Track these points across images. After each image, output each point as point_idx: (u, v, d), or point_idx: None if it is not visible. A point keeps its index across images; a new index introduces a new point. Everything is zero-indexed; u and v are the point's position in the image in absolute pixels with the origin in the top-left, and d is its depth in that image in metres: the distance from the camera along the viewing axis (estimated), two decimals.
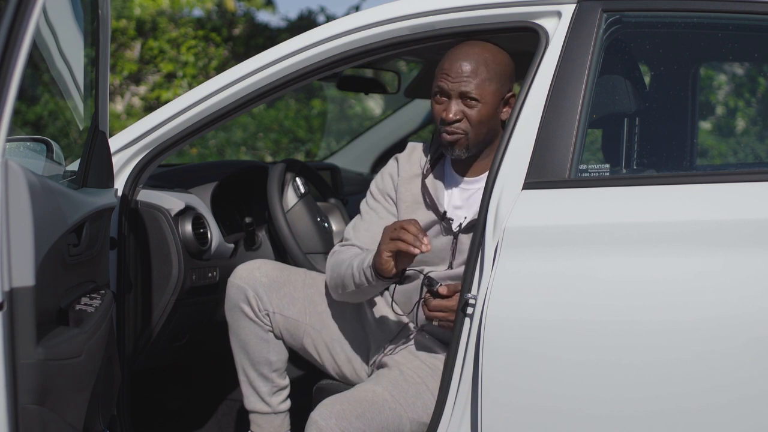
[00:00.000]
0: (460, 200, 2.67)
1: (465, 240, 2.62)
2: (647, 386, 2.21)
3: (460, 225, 2.63)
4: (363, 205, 2.78)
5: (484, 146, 2.62)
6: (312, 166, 3.61)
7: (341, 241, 2.78)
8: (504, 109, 2.61)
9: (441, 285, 2.51)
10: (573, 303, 2.27)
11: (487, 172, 2.63)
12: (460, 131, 2.57)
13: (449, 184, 2.70)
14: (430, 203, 2.67)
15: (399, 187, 2.71)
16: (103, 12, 2.54)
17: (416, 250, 2.39)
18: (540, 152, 2.41)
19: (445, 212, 2.65)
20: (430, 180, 2.69)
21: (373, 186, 2.78)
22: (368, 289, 2.58)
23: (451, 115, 2.55)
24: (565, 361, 2.26)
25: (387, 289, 2.84)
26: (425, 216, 2.67)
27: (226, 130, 9.92)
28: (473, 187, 2.66)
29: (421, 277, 2.65)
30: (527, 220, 2.35)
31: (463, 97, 2.55)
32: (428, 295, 2.52)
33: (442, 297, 2.50)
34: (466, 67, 2.55)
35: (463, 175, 2.68)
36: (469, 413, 2.37)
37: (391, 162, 2.77)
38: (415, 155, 2.75)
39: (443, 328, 2.55)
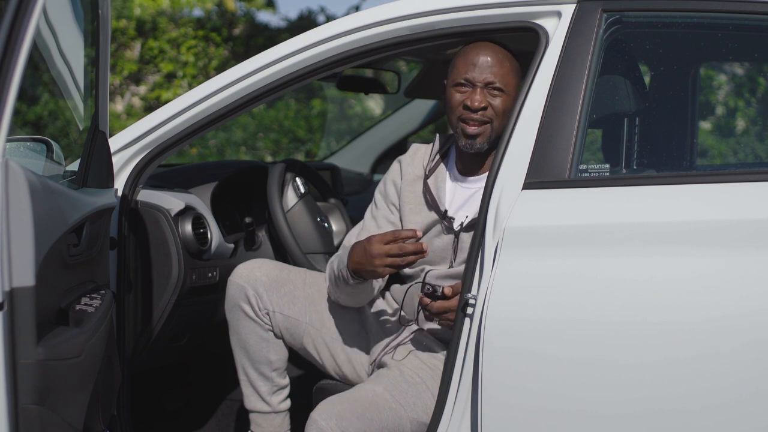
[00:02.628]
0: (461, 199, 2.67)
1: (466, 239, 2.62)
2: (647, 386, 2.21)
3: (462, 224, 2.64)
4: (367, 213, 2.79)
5: (495, 142, 2.62)
6: (312, 166, 3.61)
7: (341, 245, 2.78)
8: None
9: (443, 288, 2.50)
10: (573, 303, 2.27)
11: (489, 171, 2.63)
12: (486, 119, 2.58)
13: (451, 182, 2.70)
14: (432, 203, 2.67)
15: (402, 191, 2.72)
16: (103, 12, 2.54)
17: (417, 258, 2.44)
18: (540, 152, 2.41)
19: (446, 211, 2.65)
20: (432, 180, 2.70)
21: (377, 193, 2.79)
22: (348, 288, 2.61)
23: (477, 103, 2.56)
24: (565, 361, 2.26)
25: (389, 290, 2.84)
26: (427, 216, 2.68)
27: (226, 130, 9.92)
28: (475, 186, 2.67)
29: (421, 280, 2.65)
30: (527, 220, 2.35)
31: (489, 86, 2.58)
32: (428, 300, 2.51)
33: (445, 299, 2.49)
34: (492, 58, 2.59)
35: (466, 175, 2.69)
36: (469, 413, 2.37)
37: (394, 165, 2.78)
38: (418, 157, 2.75)
39: (444, 325, 2.54)
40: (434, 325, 2.70)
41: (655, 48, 2.72)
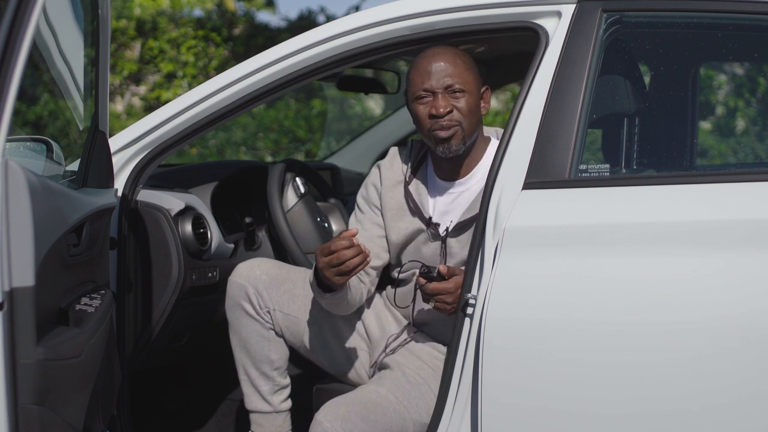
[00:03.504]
0: (444, 204, 2.67)
1: (453, 243, 2.62)
2: (647, 386, 2.21)
3: (447, 229, 2.63)
4: (351, 220, 2.79)
5: (471, 143, 2.61)
6: (312, 166, 3.61)
7: None
8: (482, 104, 2.61)
9: (438, 268, 2.49)
10: (573, 303, 2.27)
11: (468, 174, 2.64)
12: (454, 122, 2.57)
13: (432, 188, 2.69)
14: (415, 210, 2.66)
15: (383, 196, 2.71)
16: (103, 12, 2.54)
17: (361, 261, 2.39)
18: (540, 152, 2.41)
19: (430, 218, 2.65)
20: (414, 186, 2.69)
21: (358, 198, 2.79)
22: (324, 301, 2.61)
23: (441, 109, 2.55)
24: (565, 361, 2.26)
25: (385, 289, 2.84)
26: (411, 223, 2.67)
27: (226, 130, 9.92)
28: (457, 190, 2.66)
29: (415, 275, 2.65)
30: (527, 220, 2.35)
31: (449, 90, 2.56)
32: (424, 281, 2.50)
33: (441, 279, 2.48)
34: (444, 61, 2.57)
35: (446, 179, 2.68)
36: (469, 413, 2.37)
37: (374, 170, 2.78)
38: (396, 162, 2.75)
39: (439, 310, 2.52)
40: (433, 324, 2.70)
41: (655, 48, 2.72)
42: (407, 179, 2.70)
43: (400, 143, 4.86)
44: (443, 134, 2.56)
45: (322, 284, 2.55)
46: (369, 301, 2.80)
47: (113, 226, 2.79)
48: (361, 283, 2.70)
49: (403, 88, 4.35)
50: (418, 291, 2.56)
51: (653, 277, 2.23)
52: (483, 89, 2.63)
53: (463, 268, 2.52)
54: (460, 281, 2.45)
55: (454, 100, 2.56)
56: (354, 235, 2.42)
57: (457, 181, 2.66)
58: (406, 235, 2.67)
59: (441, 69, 2.56)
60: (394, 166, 2.74)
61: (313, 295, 2.75)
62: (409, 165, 2.72)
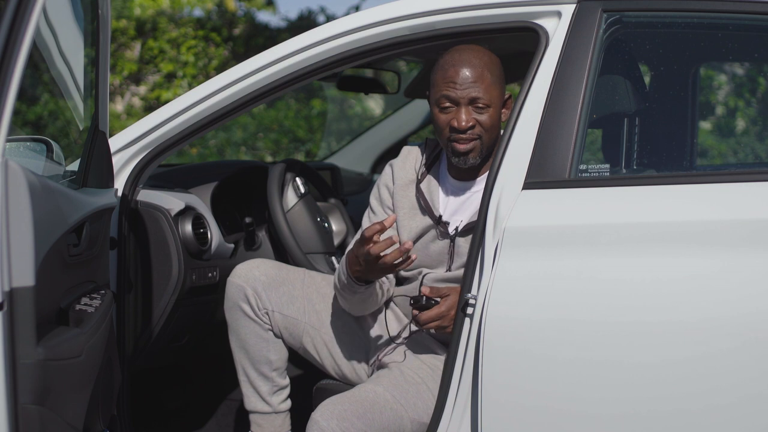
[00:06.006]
0: (456, 204, 2.67)
1: (462, 243, 2.62)
2: (647, 386, 2.21)
3: (456, 228, 2.63)
4: (364, 219, 2.79)
5: (491, 150, 2.61)
6: (312, 166, 3.61)
7: (343, 250, 2.78)
8: (503, 111, 2.61)
9: (424, 296, 2.48)
10: (573, 303, 2.27)
11: (482, 175, 2.63)
12: (475, 137, 2.55)
13: (445, 188, 2.69)
14: (426, 208, 2.66)
15: (395, 195, 2.71)
16: (103, 12, 2.54)
17: (395, 257, 2.40)
18: (540, 152, 2.41)
19: (440, 216, 2.64)
20: (425, 185, 2.68)
21: (372, 198, 2.78)
22: (356, 296, 2.61)
23: (464, 123, 2.53)
24: (565, 361, 2.26)
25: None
26: (422, 221, 2.67)
27: (226, 130, 9.92)
28: (469, 190, 2.66)
29: (418, 280, 2.65)
30: (527, 220, 2.35)
31: (473, 103, 2.54)
32: (415, 312, 2.50)
33: (430, 307, 2.48)
34: (472, 73, 2.53)
35: (459, 179, 2.67)
36: (469, 413, 2.37)
37: (386, 170, 2.77)
38: (409, 160, 2.74)
39: (439, 333, 2.53)
40: None
41: (655, 48, 2.72)
42: (419, 177, 2.69)
43: (401, 143, 4.87)
44: (462, 147, 2.55)
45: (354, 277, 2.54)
46: None
47: (113, 226, 2.80)
48: (385, 280, 2.70)
49: (404, 88, 4.37)
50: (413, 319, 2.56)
51: (653, 278, 2.23)
52: (506, 97, 2.60)
53: (451, 286, 2.53)
54: (454, 301, 2.46)
55: (478, 113, 2.54)
56: (392, 223, 2.43)
57: (470, 182, 2.66)
58: (416, 234, 2.67)
59: (468, 81, 2.52)
60: (407, 165, 2.73)
61: (311, 296, 2.76)
62: (422, 163, 2.71)
